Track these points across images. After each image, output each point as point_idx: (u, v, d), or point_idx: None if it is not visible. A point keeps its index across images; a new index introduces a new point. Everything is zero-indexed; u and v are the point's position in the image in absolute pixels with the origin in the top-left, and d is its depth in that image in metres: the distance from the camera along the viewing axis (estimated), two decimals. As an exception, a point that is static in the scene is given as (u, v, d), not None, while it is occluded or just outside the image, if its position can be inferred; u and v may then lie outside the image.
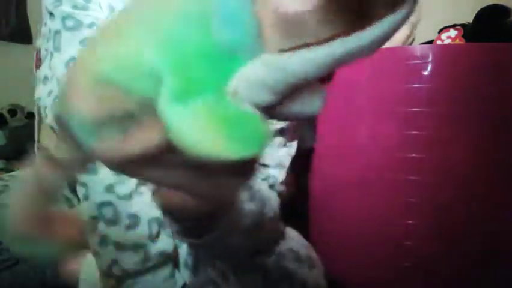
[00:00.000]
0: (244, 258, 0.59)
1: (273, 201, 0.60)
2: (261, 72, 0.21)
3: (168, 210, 0.35)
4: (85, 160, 0.29)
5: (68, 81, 0.25)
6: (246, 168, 0.26)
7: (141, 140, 0.24)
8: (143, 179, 0.28)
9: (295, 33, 0.20)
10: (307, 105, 0.25)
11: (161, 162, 0.26)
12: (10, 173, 0.84)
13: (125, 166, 0.27)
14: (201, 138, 0.20)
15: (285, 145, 0.67)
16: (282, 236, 0.66)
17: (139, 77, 0.22)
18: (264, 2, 0.20)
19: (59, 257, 0.30)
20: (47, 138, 0.31)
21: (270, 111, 0.22)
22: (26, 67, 2.02)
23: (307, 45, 0.19)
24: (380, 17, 0.18)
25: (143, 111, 0.23)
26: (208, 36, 0.21)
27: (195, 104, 0.20)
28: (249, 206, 0.52)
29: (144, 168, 0.26)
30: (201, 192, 0.27)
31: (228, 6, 0.21)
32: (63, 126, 0.26)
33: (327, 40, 0.19)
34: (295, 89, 0.22)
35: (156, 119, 0.22)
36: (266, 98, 0.21)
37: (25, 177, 0.32)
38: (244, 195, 0.52)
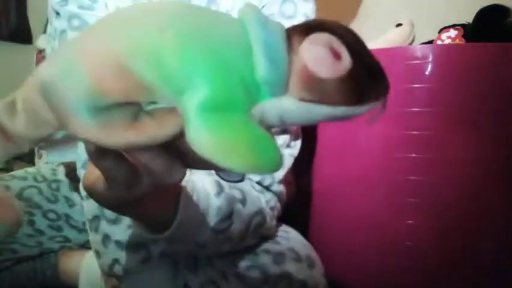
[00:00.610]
0: (229, 254, 0.59)
1: (258, 199, 0.60)
2: (278, 110, 0.25)
3: (87, 190, 0.36)
4: (47, 137, 0.27)
5: (85, 54, 0.24)
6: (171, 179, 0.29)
7: (146, 132, 0.25)
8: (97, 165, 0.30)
9: (313, 89, 0.25)
10: None
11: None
12: (10, 173, 0.84)
13: (104, 152, 0.28)
14: (229, 149, 0.23)
15: (288, 145, 0.67)
16: (275, 235, 0.66)
17: (171, 76, 0.24)
18: (297, 52, 0.25)
19: None
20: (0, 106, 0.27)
21: None
22: (26, 67, 2.02)
23: (320, 101, 0.25)
24: (369, 101, 0.26)
25: (162, 105, 0.25)
26: (249, 65, 0.24)
27: (228, 117, 0.23)
28: (217, 202, 0.52)
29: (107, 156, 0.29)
30: (116, 185, 0.31)
31: (269, 44, 0.25)
32: (52, 97, 0.25)
33: (334, 104, 0.25)
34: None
35: (169, 116, 0.24)
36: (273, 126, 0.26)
37: None
38: (213, 190, 0.53)
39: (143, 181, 0.31)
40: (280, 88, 0.25)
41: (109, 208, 0.39)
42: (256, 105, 0.25)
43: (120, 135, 0.24)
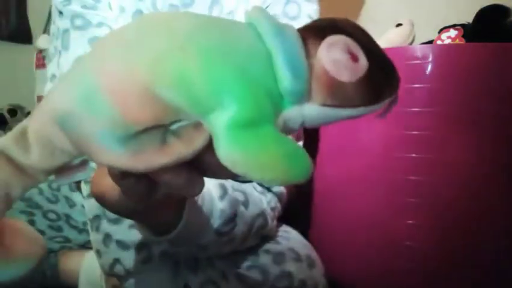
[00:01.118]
0: (231, 255, 0.60)
1: (260, 200, 0.60)
2: (300, 117, 0.25)
3: (98, 199, 0.36)
4: (63, 165, 0.26)
5: (105, 78, 0.23)
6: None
7: (174, 153, 0.24)
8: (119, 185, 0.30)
9: (336, 94, 0.25)
10: None
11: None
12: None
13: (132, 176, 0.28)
14: (264, 163, 0.22)
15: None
16: (276, 235, 0.66)
17: (199, 96, 0.23)
18: (315, 57, 0.24)
19: (16, 278, 0.26)
20: (9, 139, 0.25)
21: None
22: (26, 67, 2.02)
23: (341, 105, 0.25)
24: (385, 98, 0.27)
25: (189, 125, 0.24)
26: (271, 76, 0.24)
27: (258, 132, 0.23)
28: (220, 205, 0.52)
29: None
30: (131, 196, 0.30)
31: (289, 53, 0.24)
32: (72, 128, 0.23)
33: (355, 106, 0.25)
34: None
35: (195, 132, 0.24)
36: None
37: None
38: (216, 193, 0.53)
39: (160, 192, 0.31)
40: (303, 96, 0.24)
41: (119, 214, 0.38)
42: (280, 115, 0.25)
43: (150, 159, 0.24)
